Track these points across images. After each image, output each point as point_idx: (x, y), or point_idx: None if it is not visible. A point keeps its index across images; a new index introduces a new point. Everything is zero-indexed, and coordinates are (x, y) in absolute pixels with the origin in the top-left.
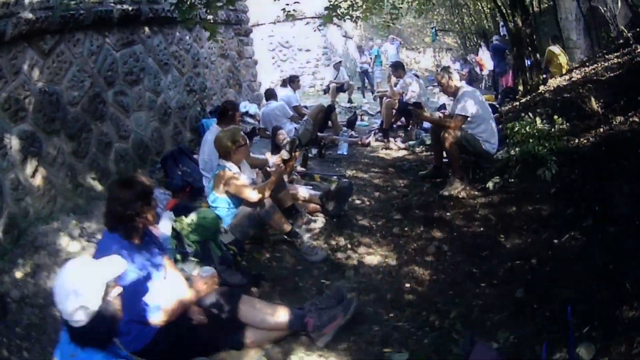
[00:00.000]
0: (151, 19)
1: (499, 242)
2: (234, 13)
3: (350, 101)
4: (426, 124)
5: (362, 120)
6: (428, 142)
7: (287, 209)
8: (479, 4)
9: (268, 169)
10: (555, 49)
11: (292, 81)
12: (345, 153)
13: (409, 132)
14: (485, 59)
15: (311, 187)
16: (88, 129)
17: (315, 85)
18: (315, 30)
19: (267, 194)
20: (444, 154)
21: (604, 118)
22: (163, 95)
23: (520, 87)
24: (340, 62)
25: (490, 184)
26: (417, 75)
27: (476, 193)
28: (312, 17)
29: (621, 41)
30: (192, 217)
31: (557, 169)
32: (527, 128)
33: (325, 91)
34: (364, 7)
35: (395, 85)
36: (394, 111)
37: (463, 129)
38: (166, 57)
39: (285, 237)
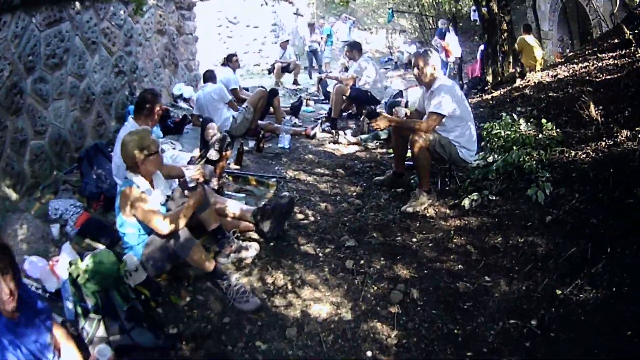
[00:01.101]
0: None
1: (484, 288)
2: None
3: (295, 82)
4: (383, 110)
5: (307, 105)
6: (383, 136)
7: (213, 232)
8: None
9: (186, 189)
10: (530, 39)
11: (229, 60)
12: (287, 147)
13: (361, 124)
14: (453, 45)
15: (244, 195)
16: (3, 127)
17: (261, 63)
18: (262, 5)
19: (181, 223)
20: (407, 157)
21: (606, 129)
22: (87, 79)
23: (489, 78)
24: (287, 41)
25: (466, 202)
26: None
27: (448, 211)
28: None
29: (616, 40)
30: (87, 261)
31: (552, 188)
32: (509, 131)
33: (270, 71)
34: None
35: (346, 69)
36: (344, 98)
37: (437, 132)
38: (95, 35)
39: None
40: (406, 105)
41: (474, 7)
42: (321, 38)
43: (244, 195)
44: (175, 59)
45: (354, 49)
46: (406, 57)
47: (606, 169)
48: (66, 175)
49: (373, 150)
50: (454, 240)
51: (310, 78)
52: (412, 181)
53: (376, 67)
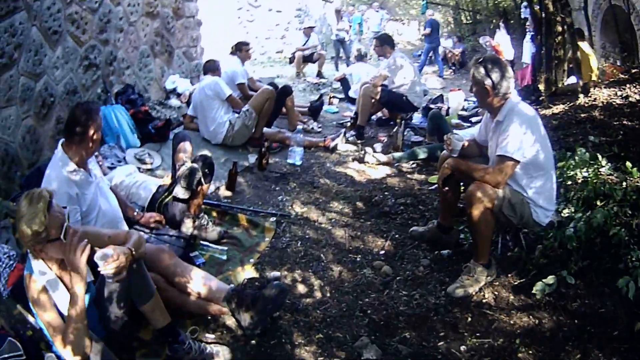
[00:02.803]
0: None
1: None
2: None
3: (319, 74)
4: (419, 119)
5: (330, 104)
6: (422, 155)
7: (161, 332)
8: None
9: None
10: (585, 46)
11: (239, 49)
12: (298, 164)
13: (395, 135)
14: (505, 45)
15: (227, 249)
16: None
17: (284, 51)
18: None
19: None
20: (456, 201)
21: None
22: (45, 78)
23: (541, 87)
24: (311, 27)
25: (538, 289)
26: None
27: (512, 298)
28: None
29: None
30: None
31: None
32: (587, 172)
33: (291, 60)
34: None
35: (360, 57)
36: (374, 101)
37: (508, 185)
38: (58, 23)
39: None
40: (447, 114)
41: (525, 3)
42: (349, 26)
43: (226, 248)
44: (170, 46)
45: (385, 43)
46: (442, 52)
47: None
48: (15, 203)
49: (409, 175)
50: (519, 355)
51: (337, 70)
52: (462, 235)
53: (414, 67)
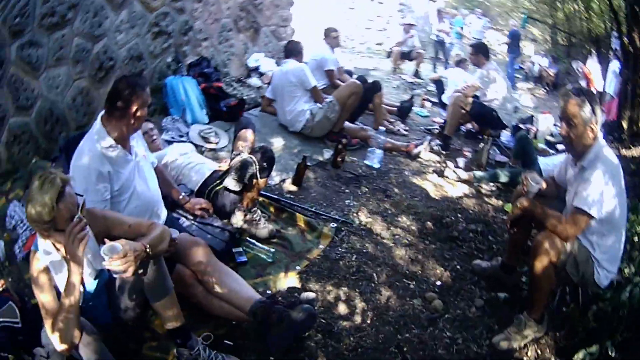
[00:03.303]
0: None
1: None
2: None
3: (416, 74)
4: (507, 138)
5: (422, 107)
6: (503, 179)
7: (171, 333)
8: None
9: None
10: None
11: (327, 35)
12: (375, 166)
13: (480, 152)
14: (595, 74)
15: (273, 251)
16: None
17: (383, 43)
18: None
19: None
20: (524, 242)
21: None
22: (104, 41)
23: (624, 124)
24: (412, 25)
25: (579, 357)
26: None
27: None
28: None
29: None
30: None
31: None
32: None
33: (389, 54)
34: None
35: (459, 62)
36: (463, 112)
37: (577, 240)
38: None
39: None
40: (535, 137)
41: (615, 34)
42: (450, 29)
43: (273, 250)
44: (256, 23)
45: (480, 52)
46: (537, 69)
47: None
48: (53, 164)
49: (486, 198)
50: None
51: (435, 72)
52: (523, 278)
53: (508, 83)
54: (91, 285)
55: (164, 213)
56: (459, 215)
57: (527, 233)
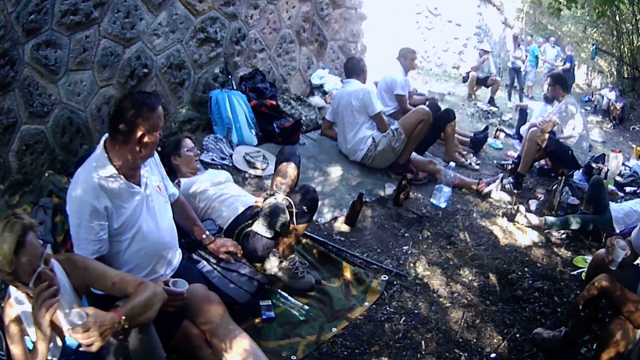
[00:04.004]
0: None
1: None
2: None
3: (492, 101)
4: (579, 177)
5: (496, 137)
6: (574, 225)
7: None
8: None
9: None
10: None
11: (402, 56)
12: (441, 206)
13: (552, 193)
14: None
15: (307, 308)
16: None
17: (460, 67)
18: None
19: None
20: (592, 321)
21: None
22: (138, 45)
23: None
24: (487, 52)
25: None
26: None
27: None
28: None
29: None
30: None
31: None
32: None
33: (464, 79)
34: None
35: (547, 100)
36: (539, 148)
37: None
38: None
39: None
40: (605, 177)
41: None
42: (526, 56)
43: (307, 307)
44: (322, 36)
45: (558, 84)
46: (606, 102)
47: None
48: (67, 178)
49: (555, 249)
50: None
51: (510, 100)
52: (583, 349)
53: (585, 119)
54: (72, 339)
55: (176, 258)
56: (526, 269)
57: (596, 312)
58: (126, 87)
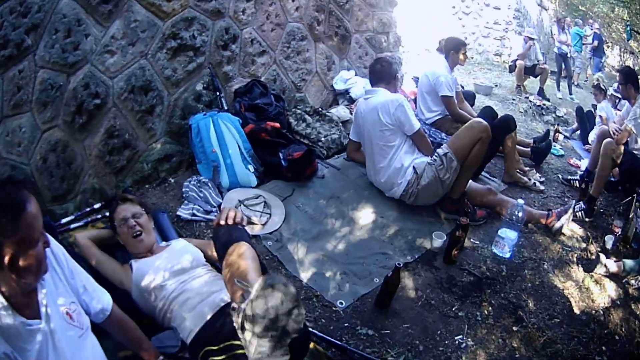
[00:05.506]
0: None
1: None
2: None
3: (541, 93)
4: None
5: (555, 140)
6: None
7: None
8: None
9: None
10: None
11: (451, 49)
12: (506, 256)
13: (627, 223)
14: None
15: None
16: None
17: (503, 54)
18: None
19: None
20: None
21: None
22: (86, 69)
23: None
24: (533, 39)
25: None
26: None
27: None
28: None
29: None
30: None
31: None
32: None
33: (511, 69)
34: None
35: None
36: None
37: None
38: None
39: None
40: None
41: None
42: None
43: None
44: (344, 28)
45: (629, 81)
46: None
47: None
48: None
49: (633, 306)
50: None
51: (558, 90)
52: None
53: None
54: None
55: None
56: (603, 347)
57: None
58: (74, 126)
